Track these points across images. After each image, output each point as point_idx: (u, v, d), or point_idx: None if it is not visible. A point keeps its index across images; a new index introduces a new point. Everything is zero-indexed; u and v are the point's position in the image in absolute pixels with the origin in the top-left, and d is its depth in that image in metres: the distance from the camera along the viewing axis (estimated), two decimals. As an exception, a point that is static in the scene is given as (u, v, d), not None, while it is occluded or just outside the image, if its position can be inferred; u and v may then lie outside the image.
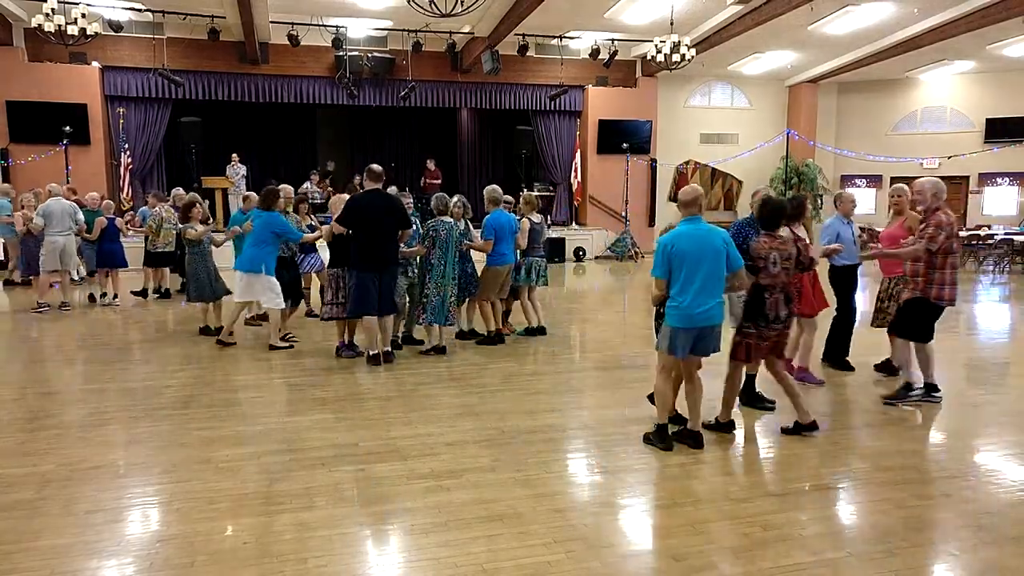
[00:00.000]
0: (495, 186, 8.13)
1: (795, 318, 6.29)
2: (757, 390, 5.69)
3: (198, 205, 8.60)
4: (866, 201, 19.08)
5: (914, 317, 5.65)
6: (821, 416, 5.59)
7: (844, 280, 6.58)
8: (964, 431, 5.23)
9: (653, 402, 5.12)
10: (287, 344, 7.72)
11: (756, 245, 4.93)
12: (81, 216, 10.08)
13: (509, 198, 8.55)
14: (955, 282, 5.55)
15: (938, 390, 5.81)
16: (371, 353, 6.98)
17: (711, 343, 4.74)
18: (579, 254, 17.32)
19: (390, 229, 6.85)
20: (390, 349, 7.15)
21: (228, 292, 8.19)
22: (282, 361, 7.19)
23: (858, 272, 6.66)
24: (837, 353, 6.84)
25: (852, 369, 6.75)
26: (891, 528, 3.71)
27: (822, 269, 6.10)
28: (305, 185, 15.76)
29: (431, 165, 17.95)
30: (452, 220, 7.42)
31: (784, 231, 5.07)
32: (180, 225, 8.67)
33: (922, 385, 5.81)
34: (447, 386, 6.32)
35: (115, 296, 10.55)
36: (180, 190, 11.86)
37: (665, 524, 3.79)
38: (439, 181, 17.62)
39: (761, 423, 5.43)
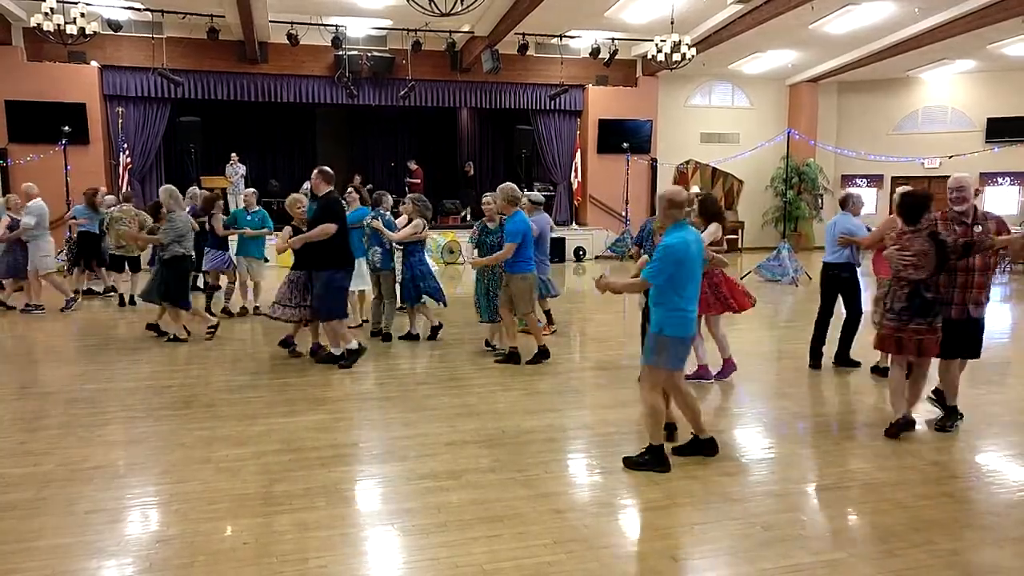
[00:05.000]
0: (512, 184, 7.26)
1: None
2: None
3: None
4: (867, 201, 19.06)
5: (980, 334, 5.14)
6: (822, 416, 5.60)
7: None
8: (965, 431, 5.20)
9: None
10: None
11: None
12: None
13: (539, 196, 8.37)
14: None
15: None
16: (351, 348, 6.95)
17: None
18: (579, 254, 17.31)
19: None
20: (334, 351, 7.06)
21: None
22: (282, 361, 7.18)
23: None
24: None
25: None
26: (892, 528, 3.71)
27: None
28: (305, 185, 15.72)
29: (412, 165, 18.01)
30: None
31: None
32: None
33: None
34: (447, 386, 6.31)
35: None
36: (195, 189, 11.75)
37: (665, 524, 3.78)
38: (419, 180, 17.66)
39: (761, 424, 5.42)
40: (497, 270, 7.17)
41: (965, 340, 5.05)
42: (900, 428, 5.00)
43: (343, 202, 7.33)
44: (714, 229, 6.14)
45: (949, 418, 5.20)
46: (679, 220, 4.36)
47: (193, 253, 8.19)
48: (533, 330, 7.19)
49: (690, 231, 4.40)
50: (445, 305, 8.39)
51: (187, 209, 8.83)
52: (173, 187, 8.19)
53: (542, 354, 7.11)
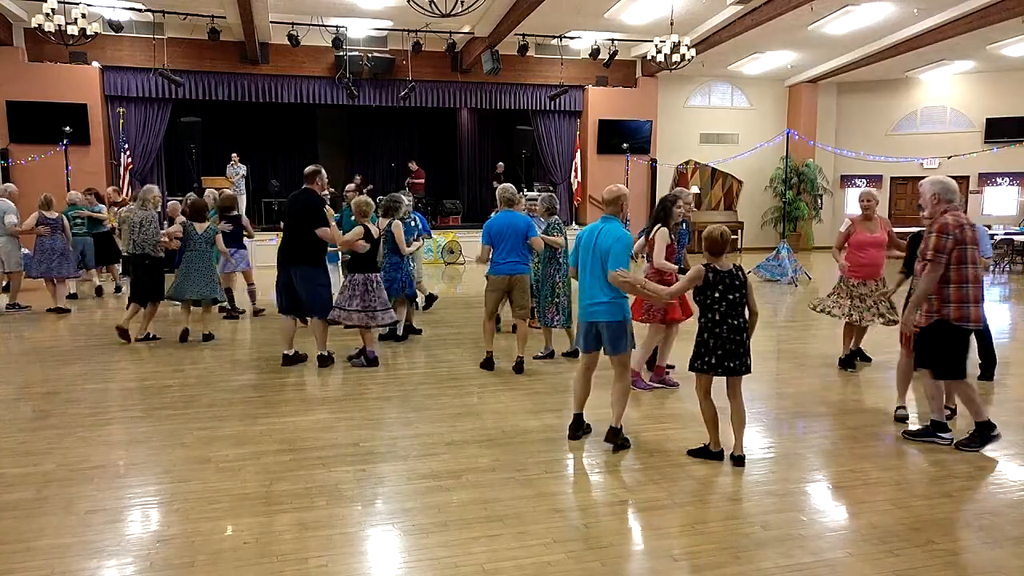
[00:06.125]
0: (507, 184, 7.15)
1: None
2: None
3: None
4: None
5: (938, 347, 4.71)
6: (821, 416, 5.60)
7: None
8: (964, 431, 5.21)
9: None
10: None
11: None
12: (12, 218, 9.68)
13: (533, 195, 8.00)
14: (980, 298, 4.66)
15: (994, 427, 4.85)
16: (285, 354, 6.95)
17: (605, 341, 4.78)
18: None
19: (302, 227, 6.77)
20: (326, 354, 6.93)
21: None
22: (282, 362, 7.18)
23: None
24: None
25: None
26: (891, 528, 3.71)
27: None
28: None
29: (413, 166, 18.05)
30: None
31: None
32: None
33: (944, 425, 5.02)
34: (447, 386, 6.32)
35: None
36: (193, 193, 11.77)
37: (665, 524, 3.78)
38: (422, 180, 17.68)
39: (761, 423, 5.42)
40: (541, 273, 7.35)
41: (919, 348, 4.85)
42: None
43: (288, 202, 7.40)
44: (658, 234, 5.98)
45: (948, 419, 5.19)
46: (607, 215, 4.81)
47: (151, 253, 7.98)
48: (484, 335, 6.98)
49: (602, 226, 4.72)
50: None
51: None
52: (149, 187, 8.25)
53: (485, 364, 6.87)
